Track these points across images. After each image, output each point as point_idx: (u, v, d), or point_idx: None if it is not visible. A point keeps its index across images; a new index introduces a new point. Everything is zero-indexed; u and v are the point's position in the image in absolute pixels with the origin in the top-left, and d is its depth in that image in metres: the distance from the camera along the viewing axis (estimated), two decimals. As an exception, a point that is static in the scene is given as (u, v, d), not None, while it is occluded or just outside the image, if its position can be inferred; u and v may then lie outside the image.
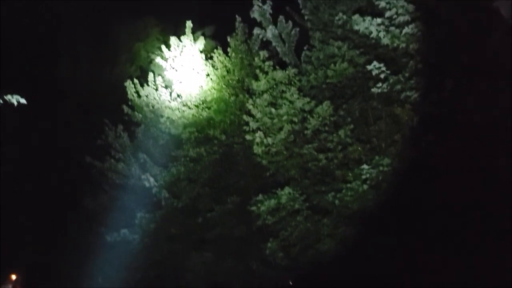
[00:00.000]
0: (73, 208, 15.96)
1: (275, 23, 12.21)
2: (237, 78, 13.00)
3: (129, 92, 14.08)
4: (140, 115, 14.02)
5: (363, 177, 9.50)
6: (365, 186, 9.46)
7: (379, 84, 9.43)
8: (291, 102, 10.67)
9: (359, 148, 10.34)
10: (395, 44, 9.20)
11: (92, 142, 14.93)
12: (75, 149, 16.52)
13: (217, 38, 16.05)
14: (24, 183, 17.42)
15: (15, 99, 5.92)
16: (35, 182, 17.17)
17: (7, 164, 16.76)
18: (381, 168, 9.38)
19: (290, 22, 12.31)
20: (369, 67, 9.39)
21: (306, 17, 11.97)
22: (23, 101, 5.98)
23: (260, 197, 10.64)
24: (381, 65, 9.23)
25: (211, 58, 13.29)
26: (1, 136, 15.93)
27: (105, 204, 14.40)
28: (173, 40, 13.41)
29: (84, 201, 15.19)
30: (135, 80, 14.23)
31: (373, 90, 9.56)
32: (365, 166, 9.54)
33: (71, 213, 16.22)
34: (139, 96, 13.98)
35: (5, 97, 5.88)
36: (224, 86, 12.92)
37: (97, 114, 16.39)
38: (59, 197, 16.65)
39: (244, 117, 11.22)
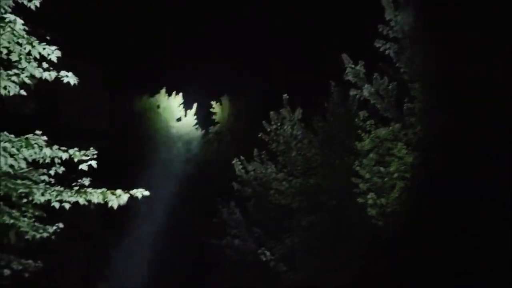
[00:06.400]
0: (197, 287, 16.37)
1: (369, 80, 12.13)
2: (339, 141, 12.93)
3: (237, 169, 14.67)
4: (250, 190, 14.43)
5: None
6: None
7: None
8: (400, 158, 10.26)
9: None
10: None
11: (208, 221, 15.55)
12: (192, 229, 17.25)
13: (314, 104, 16.33)
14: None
15: (139, 192, 6.44)
16: (156, 266, 17.83)
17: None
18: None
19: (385, 78, 12.13)
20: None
21: (401, 70, 11.74)
22: (146, 193, 6.48)
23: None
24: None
25: (311, 125, 13.48)
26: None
27: (226, 283, 14.56)
28: (272, 114, 13.94)
29: (205, 281, 15.55)
30: (241, 157, 14.84)
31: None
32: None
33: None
34: (246, 171, 14.48)
35: (130, 192, 6.44)
36: (327, 151, 12.90)
37: (210, 193, 17.19)
38: (180, 278, 17.16)
39: (353, 179, 10.96)
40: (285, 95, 13.92)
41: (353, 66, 12.04)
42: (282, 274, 12.53)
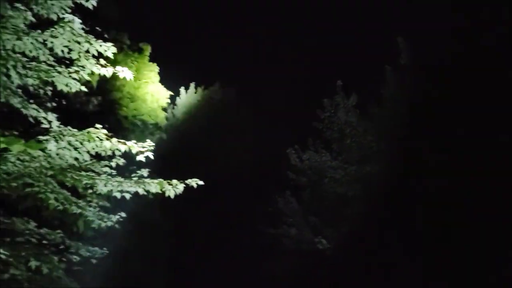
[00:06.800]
0: (252, 275, 16.54)
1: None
2: (395, 127, 12.52)
3: (291, 158, 14.66)
4: (305, 179, 14.38)
5: None
6: None
7: None
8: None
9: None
10: None
11: (263, 210, 15.69)
12: (247, 218, 17.45)
13: (369, 90, 15.90)
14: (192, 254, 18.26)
15: (194, 182, 6.62)
16: (213, 254, 18.12)
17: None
18: None
19: (444, 60, 11.61)
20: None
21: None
22: (201, 183, 6.65)
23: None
24: None
25: (366, 111, 13.17)
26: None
27: (282, 272, 14.63)
28: (326, 101, 13.76)
29: (264, 267, 15.70)
30: (296, 146, 14.80)
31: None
32: None
33: (250, 280, 16.81)
34: (301, 160, 14.43)
35: (186, 181, 6.62)
36: (383, 137, 12.55)
37: (265, 182, 17.31)
38: (236, 266, 17.38)
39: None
40: (339, 81, 13.68)
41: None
42: (339, 263, 12.42)
